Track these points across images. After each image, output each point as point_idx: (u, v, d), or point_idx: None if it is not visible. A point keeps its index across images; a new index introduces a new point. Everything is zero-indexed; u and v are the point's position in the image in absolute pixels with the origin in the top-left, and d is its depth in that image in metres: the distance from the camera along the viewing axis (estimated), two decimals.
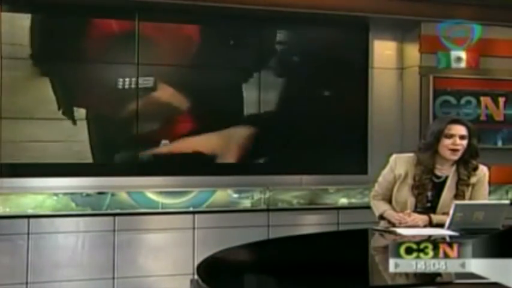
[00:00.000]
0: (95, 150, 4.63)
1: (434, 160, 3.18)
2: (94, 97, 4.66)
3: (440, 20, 5.06)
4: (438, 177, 3.20)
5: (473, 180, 3.18)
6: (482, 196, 3.20)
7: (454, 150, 3.13)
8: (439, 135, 3.16)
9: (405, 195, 3.19)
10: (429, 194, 3.18)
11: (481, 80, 5.19)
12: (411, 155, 3.26)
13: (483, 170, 3.23)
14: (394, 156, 3.33)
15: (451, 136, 3.14)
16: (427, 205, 3.17)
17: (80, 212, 4.39)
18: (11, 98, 4.46)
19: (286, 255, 2.71)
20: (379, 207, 3.28)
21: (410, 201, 3.18)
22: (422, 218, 3.09)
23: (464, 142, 3.15)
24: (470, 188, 3.18)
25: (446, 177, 3.19)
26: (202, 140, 4.89)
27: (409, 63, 5.26)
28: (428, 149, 3.19)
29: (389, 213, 3.20)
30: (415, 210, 3.16)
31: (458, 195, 3.13)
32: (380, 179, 3.35)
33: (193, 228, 4.61)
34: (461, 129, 3.15)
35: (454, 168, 3.19)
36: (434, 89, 5.07)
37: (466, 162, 3.17)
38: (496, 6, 5.10)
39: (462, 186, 3.16)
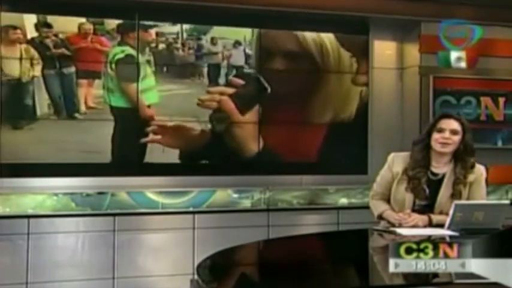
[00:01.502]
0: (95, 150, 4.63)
1: (427, 155, 3.17)
2: (96, 97, 4.66)
3: (440, 20, 5.06)
4: (435, 174, 3.19)
5: (470, 178, 3.17)
6: (480, 196, 3.19)
7: (444, 144, 3.12)
8: (430, 130, 3.17)
9: (403, 192, 3.18)
10: (427, 191, 3.15)
11: (481, 80, 5.19)
12: (409, 153, 3.25)
13: (480, 170, 3.22)
14: (392, 155, 3.33)
15: (441, 130, 3.13)
16: (425, 202, 3.15)
17: (80, 212, 4.39)
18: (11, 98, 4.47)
19: (286, 255, 2.71)
20: (378, 207, 3.27)
21: (408, 198, 3.16)
22: (422, 218, 3.08)
23: (456, 137, 3.12)
24: (467, 187, 3.16)
25: (444, 176, 3.18)
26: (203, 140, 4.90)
27: (409, 63, 5.26)
28: (419, 143, 3.20)
29: (389, 214, 3.19)
30: (413, 208, 3.15)
31: (455, 194, 3.11)
32: (378, 178, 3.35)
33: (193, 228, 4.61)
34: (452, 124, 3.14)
35: (451, 166, 3.18)
36: (434, 89, 5.07)
37: (462, 161, 3.15)
38: (496, 6, 5.10)
39: (459, 185, 3.14)
